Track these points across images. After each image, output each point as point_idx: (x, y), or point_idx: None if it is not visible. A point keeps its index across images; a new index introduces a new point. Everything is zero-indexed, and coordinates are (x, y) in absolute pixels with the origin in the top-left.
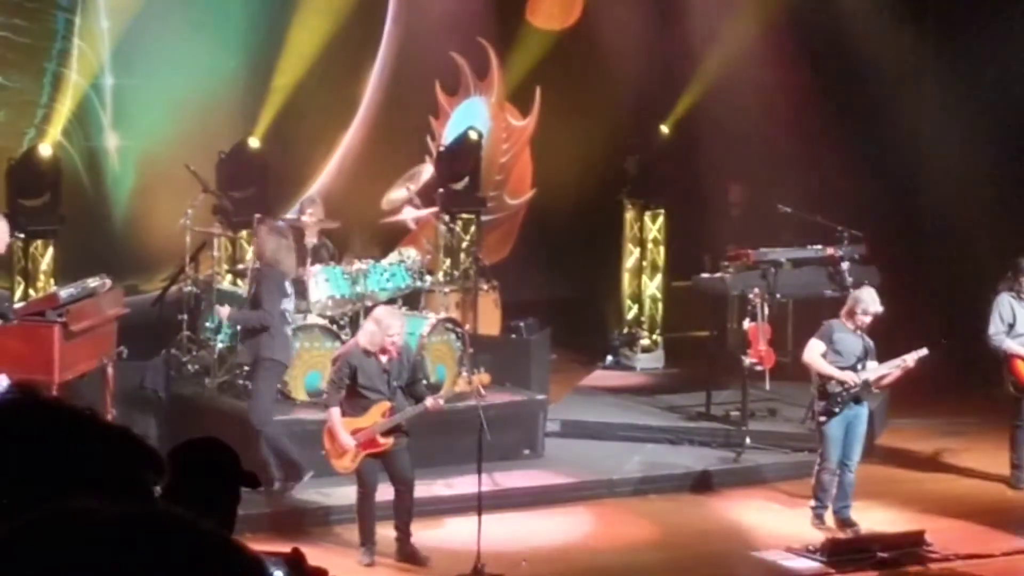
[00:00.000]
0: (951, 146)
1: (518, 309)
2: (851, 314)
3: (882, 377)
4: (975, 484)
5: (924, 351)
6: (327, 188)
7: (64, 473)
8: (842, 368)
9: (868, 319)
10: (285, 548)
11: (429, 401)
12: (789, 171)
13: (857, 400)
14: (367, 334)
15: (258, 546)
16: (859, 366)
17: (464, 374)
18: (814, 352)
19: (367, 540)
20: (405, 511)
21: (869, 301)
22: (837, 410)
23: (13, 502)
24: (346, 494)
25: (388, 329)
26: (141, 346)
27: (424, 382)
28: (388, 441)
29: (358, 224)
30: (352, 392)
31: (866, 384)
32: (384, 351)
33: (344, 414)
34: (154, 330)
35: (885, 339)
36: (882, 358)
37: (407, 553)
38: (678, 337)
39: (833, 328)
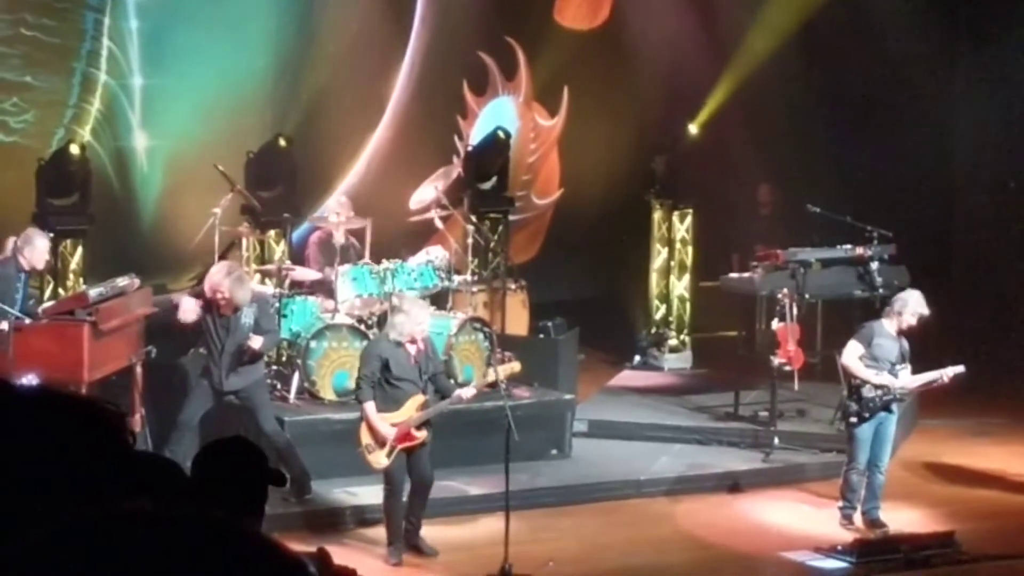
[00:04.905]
0: (983, 147)
1: (546, 309)
2: (897, 315)
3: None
4: (1004, 484)
5: (960, 368)
6: (355, 188)
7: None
8: (876, 374)
9: (915, 322)
10: (311, 548)
11: (465, 392)
12: (818, 171)
13: (888, 407)
14: (396, 324)
15: None
16: (894, 372)
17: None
18: (852, 354)
19: (394, 539)
20: (420, 507)
21: (917, 304)
22: (867, 415)
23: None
24: (373, 493)
25: (417, 318)
26: (169, 346)
27: (452, 382)
28: (422, 435)
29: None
30: (385, 385)
31: (902, 392)
32: (412, 341)
33: (377, 410)
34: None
35: (914, 340)
36: (911, 360)
37: (413, 544)
38: (706, 337)
39: (874, 331)
